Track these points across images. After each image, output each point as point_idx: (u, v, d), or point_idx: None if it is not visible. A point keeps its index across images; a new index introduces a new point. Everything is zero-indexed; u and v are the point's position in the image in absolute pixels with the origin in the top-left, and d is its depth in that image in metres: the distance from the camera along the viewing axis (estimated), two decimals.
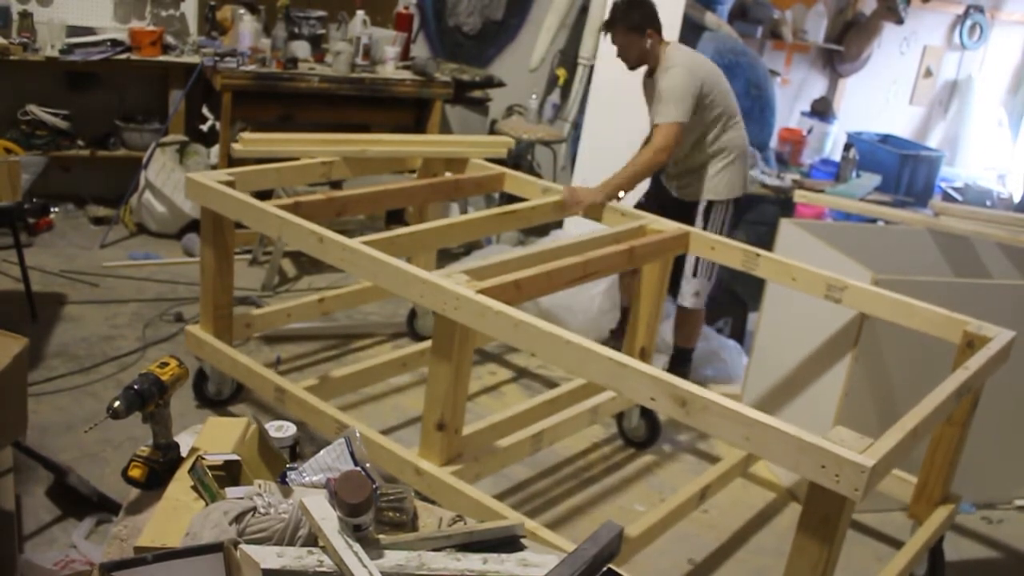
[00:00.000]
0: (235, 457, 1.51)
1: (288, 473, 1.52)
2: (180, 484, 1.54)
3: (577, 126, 5.32)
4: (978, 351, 2.35)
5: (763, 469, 3.32)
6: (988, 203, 6.60)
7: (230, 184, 2.93)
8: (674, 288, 3.58)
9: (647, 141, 3.58)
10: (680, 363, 3.78)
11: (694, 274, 3.58)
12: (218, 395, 3.24)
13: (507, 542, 1.44)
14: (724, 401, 1.88)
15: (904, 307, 2.59)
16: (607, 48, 4.87)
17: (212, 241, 3.01)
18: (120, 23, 4.81)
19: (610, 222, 3.23)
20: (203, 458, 1.50)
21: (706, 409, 1.90)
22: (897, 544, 2.96)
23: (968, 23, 7.32)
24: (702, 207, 3.57)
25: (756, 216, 4.98)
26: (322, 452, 1.54)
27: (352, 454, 1.52)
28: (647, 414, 3.37)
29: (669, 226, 3.07)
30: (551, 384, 3.72)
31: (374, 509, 1.37)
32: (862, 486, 1.71)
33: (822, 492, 1.79)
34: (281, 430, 1.74)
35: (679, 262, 3.45)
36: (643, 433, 3.39)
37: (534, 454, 3.02)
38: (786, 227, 3.36)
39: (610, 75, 4.93)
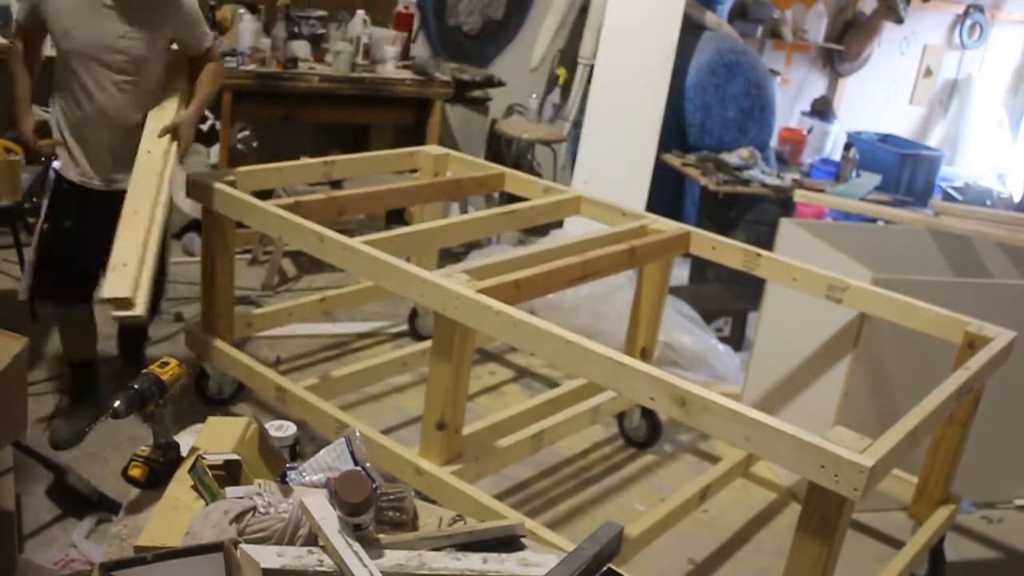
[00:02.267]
0: (235, 457, 1.51)
1: (288, 473, 1.52)
2: (180, 484, 1.54)
3: (577, 125, 5.33)
4: (979, 351, 2.35)
5: (764, 469, 3.31)
6: (988, 203, 6.60)
7: (231, 184, 2.94)
8: None
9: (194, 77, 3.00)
10: None
11: None
12: (219, 394, 3.24)
13: (507, 542, 1.44)
14: (724, 401, 1.88)
15: (905, 307, 2.58)
16: (607, 48, 4.88)
17: (213, 240, 3.01)
18: None
19: (611, 222, 3.23)
20: (203, 458, 1.50)
21: (706, 409, 1.90)
22: (897, 544, 2.95)
23: (968, 23, 7.32)
24: None
25: (756, 216, 4.98)
26: (322, 452, 1.54)
27: (352, 454, 1.52)
28: (648, 414, 3.37)
29: (670, 226, 3.07)
30: (552, 384, 3.72)
31: (374, 509, 1.37)
32: (861, 486, 1.71)
33: (821, 492, 1.79)
34: (281, 430, 1.74)
35: None
36: (644, 433, 3.39)
37: (534, 454, 3.02)
38: (786, 227, 3.36)
39: (610, 75, 4.94)
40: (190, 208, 4.55)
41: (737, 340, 4.32)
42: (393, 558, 1.34)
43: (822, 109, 6.81)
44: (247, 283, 4.30)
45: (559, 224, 4.83)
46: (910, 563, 2.42)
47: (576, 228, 4.49)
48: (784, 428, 1.81)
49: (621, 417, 3.43)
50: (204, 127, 4.76)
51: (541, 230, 4.81)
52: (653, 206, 4.29)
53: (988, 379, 2.39)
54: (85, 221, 2.84)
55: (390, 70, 4.84)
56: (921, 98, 7.57)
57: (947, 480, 2.60)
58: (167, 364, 1.62)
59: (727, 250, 2.95)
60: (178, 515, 1.44)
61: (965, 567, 2.96)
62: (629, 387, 2.03)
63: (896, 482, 2.80)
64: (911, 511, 2.69)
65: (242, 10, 4.76)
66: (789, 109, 6.80)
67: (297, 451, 1.76)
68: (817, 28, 6.60)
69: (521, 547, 1.44)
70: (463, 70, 5.18)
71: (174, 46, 2.91)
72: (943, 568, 2.75)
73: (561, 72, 5.57)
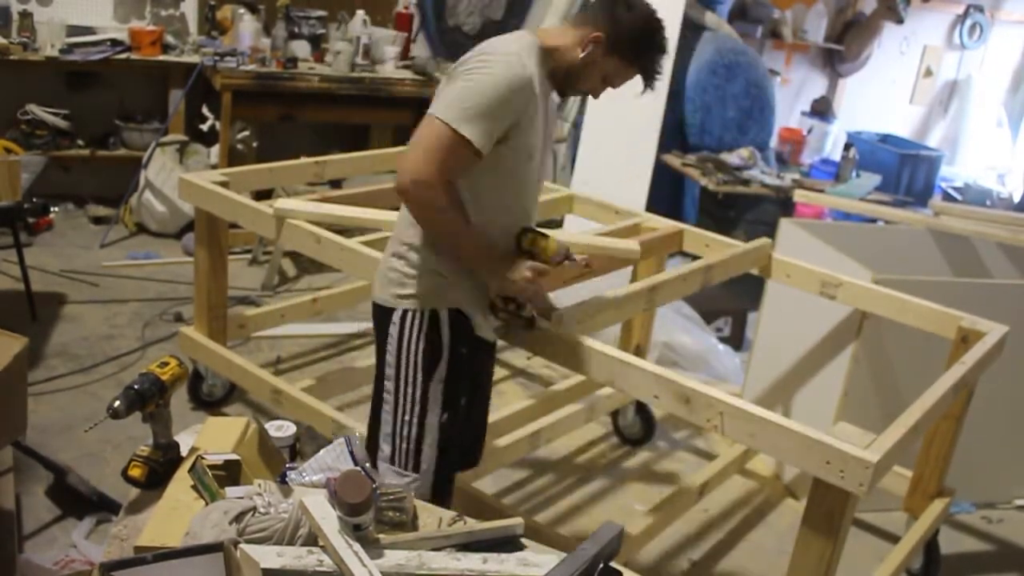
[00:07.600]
0: (235, 457, 1.51)
1: (288, 473, 1.52)
2: (180, 484, 1.54)
3: (577, 126, 5.32)
4: (972, 346, 2.36)
5: (760, 465, 3.32)
6: (988, 203, 6.60)
7: (224, 184, 2.90)
8: None
9: None
10: None
11: None
12: (210, 396, 3.21)
13: (507, 542, 1.44)
14: (729, 399, 1.88)
15: (898, 303, 2.60)
16: None
17: (206, 242, 2.97)
18: (120, 23, 4.81)
19: (605, 220, 3.22)
20: (203, 458, 1.50)
21: (710, 407, 1.90)
22: (895, 540, 2.96)
23: (968, 23, 7.32)
24: None
25: (756, 215, 4.98)
26: (322, 452, 1.54)
27: (352, 454, 1.52)
28: (642, 411, 3.37)
29: (663, 224, 3.07)
30: (548, 383, 3.72)
31: (374, 509, 1.37)
32: (867, 481, 1.72)
33: (827, 488, 1.79)
34: (281, 430, 1.74)
35: None
36: (638, 430, 3.40)
37: (532, 452, 3.02)
38: (786, 227, 3.36)
39: None
40: (190, 208, 4.56)
41: (737, 340, 4.32)
42: (393, 558, 1.34)
43: (822, 109, 6.82)
44: (247, 283, 4.30)
45: (559, 224, 4.84)
46: (907, 557, 2.42)
47: (572, 227, 4.49)
48: (790, 425, 1.81)
49: (615, 415, 3.43)
50: (204, 127, 4.77)
51: None
52: (653, 207, 4.29)
53: (982, 373, 2.40)
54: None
55: (390, 70, 4.84)
56: (921, 98, 7.57)
57: (941, 473, 2.61)
58: (167, 364, 1.62)
59: (720, 247, 2.95)
60: (178, 515, 1.44)
61: (964, 566, 2.96)
62: (633, 385, 2.03)
63: (891, 476, 2.80)
64: (905, 504, 2.71)
65: (242, 10, 4.76)
66: (789, 109, 6.80)
67: (297, 451, 1.76)
68: (817, 28, 6.60)
69: (521, 547, 1.44)
70: None
71: None
72: (938, 561, 2.76)
73: None
